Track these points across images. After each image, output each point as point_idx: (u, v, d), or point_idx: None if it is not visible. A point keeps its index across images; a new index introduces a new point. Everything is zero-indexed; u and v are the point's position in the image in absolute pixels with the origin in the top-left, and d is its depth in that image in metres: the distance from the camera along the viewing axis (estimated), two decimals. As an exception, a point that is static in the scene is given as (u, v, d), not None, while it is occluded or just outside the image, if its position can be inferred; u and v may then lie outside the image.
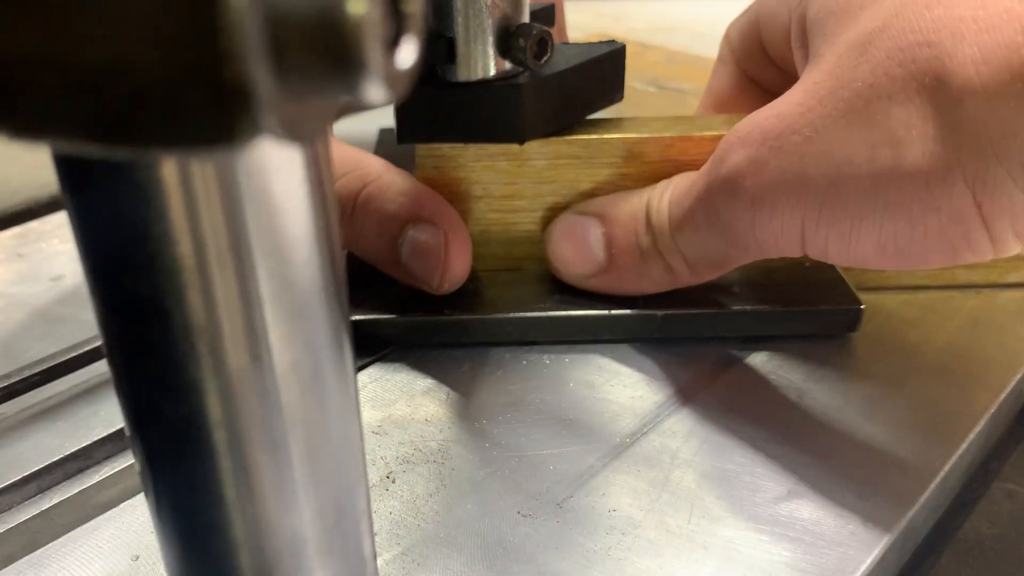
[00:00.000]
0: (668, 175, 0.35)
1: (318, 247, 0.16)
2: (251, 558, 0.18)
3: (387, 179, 0.35)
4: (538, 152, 0.36)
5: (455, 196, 0.36)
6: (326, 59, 0.10)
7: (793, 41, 0.33)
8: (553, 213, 0.37)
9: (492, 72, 0.33)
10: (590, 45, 0.37)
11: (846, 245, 0.28)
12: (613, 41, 0.37)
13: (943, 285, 0.39)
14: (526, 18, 0.33)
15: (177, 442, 0.17)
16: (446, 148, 0.35)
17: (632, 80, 0.61)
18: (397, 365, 0.35)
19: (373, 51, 0.10)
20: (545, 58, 0.32)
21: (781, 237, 0.30)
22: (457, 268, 0.34)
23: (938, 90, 0.25)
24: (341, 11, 0.10)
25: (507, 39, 0.32)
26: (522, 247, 0.38)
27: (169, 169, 0.14)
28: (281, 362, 0.17)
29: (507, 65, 0.33)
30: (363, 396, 0.33)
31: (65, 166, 0.14)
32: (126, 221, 0.14)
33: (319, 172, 0.16)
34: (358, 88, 0.10)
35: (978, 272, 0.39)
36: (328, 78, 0.10)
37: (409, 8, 0.11)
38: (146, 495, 0.18)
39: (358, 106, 0.11)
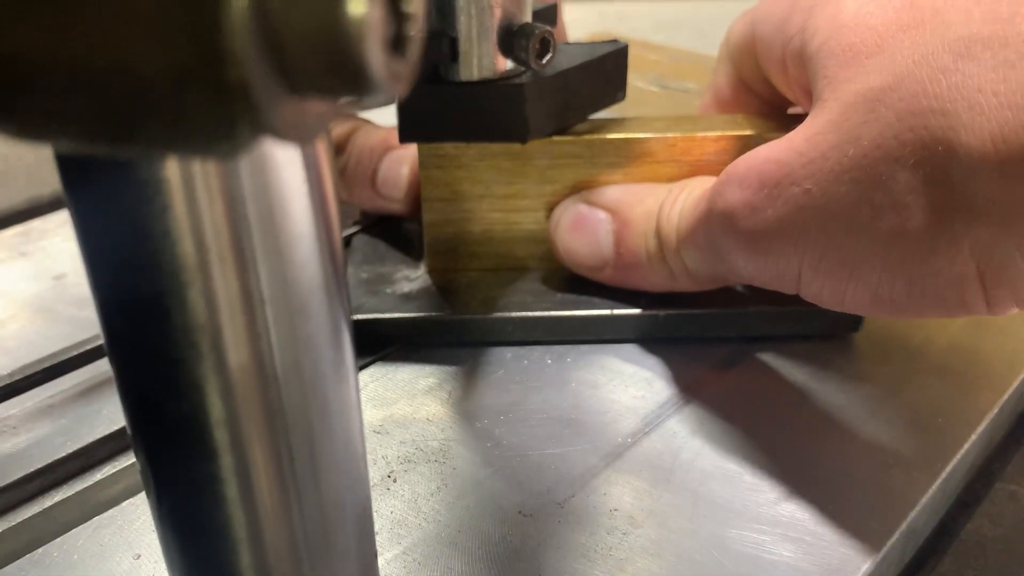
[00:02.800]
0: (670, 175, 0.35)
1: (319, 246, 0.16)
2: (252, 557, 0.18)
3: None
4: (540, 151, 0.36)
5: (457, 195, 0.36)
6: (327, 60, 0.10)
7: (790, 72, 0.33)
8: None
9: (494, 71, 0.33)
10: (592, 45, 0.37)
11: (841, 295, 0.28)
12: (616, 41, 0.37)
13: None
14: (529, 17, 0.33)
15: (178, 441, 0.17)
16: (448, 147, 0.35)
17: (636, 79, 0.61)
18: (398, 364, 0.35)
19: (373, 52, 0.10)
20: (547, 58, 0.32)
21: (775, 278, 0.29)
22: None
23: (950, 161, 0.24)
24: (342, 12, 0.10)
25: (509, 39, 0.32)
26: (525, 246, 0.38)
27: (171, 167, 0.14)
28: (283, 361, 0.17)
29: (509, 64, 0.33)
30: (364, 395, 0.33)
31: (67, 164, 0.14)
32: (127, 219, 0.14)
33: (320, 171, 0.16)
34: (358, 89, 0.10)
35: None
36: (329, 79, 0.10)
37: (410, 8, 0.11)
38: (147, 494, 0.18)
39: (359, 106, 0.11)
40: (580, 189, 0.36)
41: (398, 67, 0.11)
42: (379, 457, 0.30)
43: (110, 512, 0.28)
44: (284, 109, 0.11)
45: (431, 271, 0.38)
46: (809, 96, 0.31)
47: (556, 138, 0.35)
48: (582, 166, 0.36)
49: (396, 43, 0.11)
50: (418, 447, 0.31)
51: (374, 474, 0.29)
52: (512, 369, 0.34)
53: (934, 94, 0.25)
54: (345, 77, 0.10)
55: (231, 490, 0.18)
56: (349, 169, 0.41)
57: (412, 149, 0.38)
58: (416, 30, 0.11)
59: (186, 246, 0.15)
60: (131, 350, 0.16)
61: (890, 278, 0.27)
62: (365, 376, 0.34)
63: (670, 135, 0.35)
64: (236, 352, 0.16)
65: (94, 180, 0.14)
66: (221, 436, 0.17)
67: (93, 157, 0.14)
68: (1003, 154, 0.23)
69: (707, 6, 0.81)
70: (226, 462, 0.17)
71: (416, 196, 0.39)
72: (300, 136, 0.11)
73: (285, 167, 0.15)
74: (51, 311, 0.38)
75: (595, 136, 0.35)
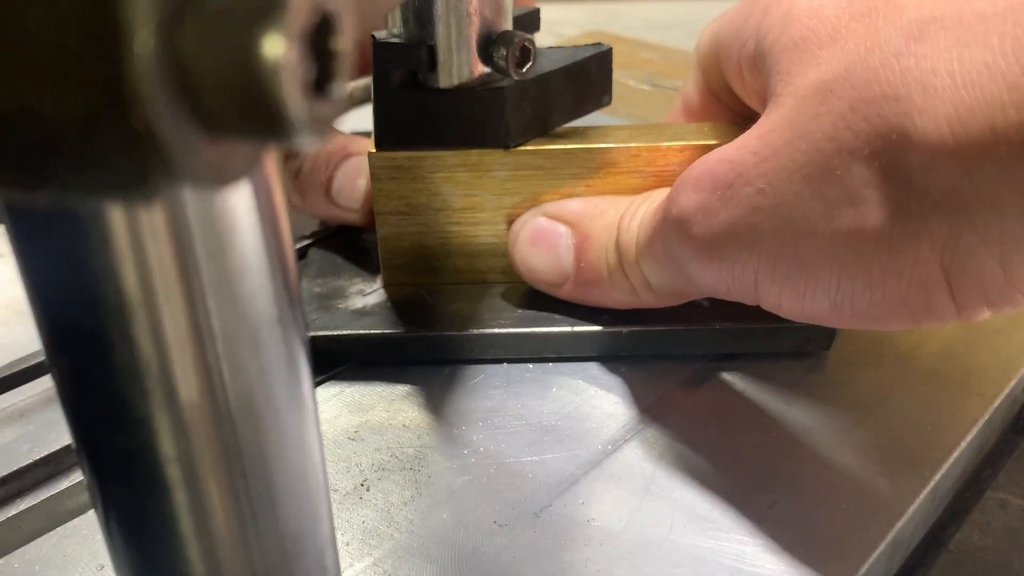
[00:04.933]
0: (634, 186, 0.34)
1: (271, 274, 0.16)
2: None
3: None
4: (499, 163, 0.34)
5: (412, 208, 0.35)
6: (242, 104, 0.09)
7: (746, 79, 0.31)
8: None
9: (475, 77, 0.32)
10: (576, 48, 0.36)
11: (800, 302, 0.27)
12: (600, 44, 0.36)
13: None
14: (509, 25, 0.32)
15: (128, 477, 0.17)
16: (402, 158, 0.34)
17: (627, 78, 0.61)
18: (377, 369, 0.34)
19: (292, 95, 0.09)
20: (527, 66, 0.31)
21: (733, 286, 0.28)
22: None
23: (906, 149, 0.23)
24: (256, 54, 0.09)
25: (489, 47, 0.31)
26: (484, 260, 0.36)
27: (110, 203, 0.13)
28: (235, 395, 0.16)
29: (489, 69, 0.32)
30: (341, 401, 0.32)
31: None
32: (65, 254, 0.14)
33: (271, 196, 0.15)
34: (277, 133, 0.10)
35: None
36: (245, 124, 0.10)
37: (336, 46, 0.10)
38: (101, 527, 0.18)
39: (284, 148, 0.11)
40: (541, 201, 0.35)
41: (322, 109, 0.10)
42: (353, 465, 0.30)
43: (75, 521, 0.27)
44: (201, 153, 0.10)
45: (387, 286, 0.37)
46: (765, 103, 0.30)
47: (515, 149, 0.34)
48: (542, 177, 0.34)
49: (320, 84, 0.10)
50: (393, 454, 0.30)
51: (347, 482, 0.29)
52: (491, 374, 0.34)
53: (887, 79, 0.23)
54: (263, 122, 0.10)
55: (185, 526, 0.17)
56: (303, 175, 0.39)
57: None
58: (343, 69, 0.10)
59: (128, 281, 0.14)
60: (76, 386, 0.16)
61: (849, 283, 0.25)
62: (342, 381, 0.33)
63: (633, 145, 0.33)
64: (185, 388, 0.15)
65: (32, 214, 0.14)
66: (173, 473, 0.16)
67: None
68: (960, 137, 0.22)
69: (700, 6, 0.80)
70: (179, 499, 0.17)
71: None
72: (223, 179, 0.11)
73: (232, 196, 0.14)
74: (28, 314, 0.37)
75: (556, 147, 0.34)
